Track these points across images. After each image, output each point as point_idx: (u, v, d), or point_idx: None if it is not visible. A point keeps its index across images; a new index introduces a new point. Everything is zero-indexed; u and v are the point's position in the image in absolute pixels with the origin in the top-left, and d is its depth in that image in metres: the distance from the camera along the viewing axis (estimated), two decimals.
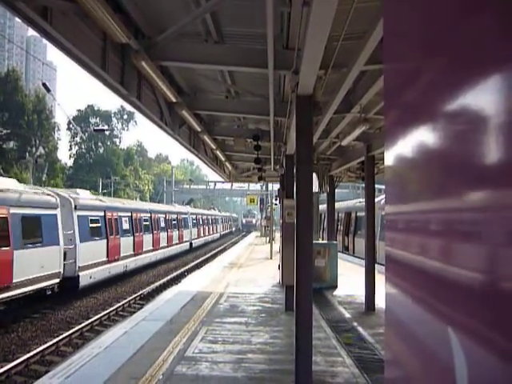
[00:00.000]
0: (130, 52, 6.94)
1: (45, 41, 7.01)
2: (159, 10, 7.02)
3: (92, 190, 50.27)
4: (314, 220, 8.89)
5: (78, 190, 23.44)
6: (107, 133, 73.51)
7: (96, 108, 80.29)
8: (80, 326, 14.70)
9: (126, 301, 19.02)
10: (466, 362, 0.87)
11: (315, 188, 18.40)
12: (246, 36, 7.53)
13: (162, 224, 33.06)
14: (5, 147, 53.55)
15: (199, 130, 12.39)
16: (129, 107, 12.97)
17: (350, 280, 15.50)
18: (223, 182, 58.58)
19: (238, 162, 20.48)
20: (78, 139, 76.00)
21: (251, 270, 20.64)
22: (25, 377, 10.82)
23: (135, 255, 26.20)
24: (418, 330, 1.15)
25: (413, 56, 1.19)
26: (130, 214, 26.22)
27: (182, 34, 7.02)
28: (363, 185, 15.25)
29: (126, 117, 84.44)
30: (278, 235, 27.29)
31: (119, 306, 18.04)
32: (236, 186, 70.20)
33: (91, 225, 20.67)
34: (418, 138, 1.13)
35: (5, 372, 10.58)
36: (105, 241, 22.01)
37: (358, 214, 25.74)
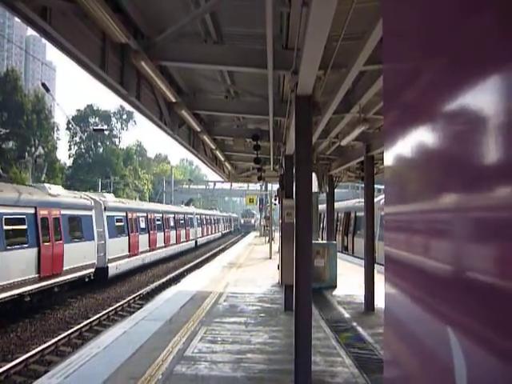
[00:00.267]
0: (129, 52, 6.93)
1: (44, 41, 7.01)
2: (158, 10, 7.02)
3: (91, 189, 50.33)
4: (313, 220, 8.89)
5: (105, 194, 27.71)
6: (106, 133, 73.43)
7: (95, 108, 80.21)
8: (79, 326, 14.70)
9: (125, 301, 19.01)
10: (465, 362, 0.87)
11: (314, 188, 18.40)
12: (245, 36, 7.53)
13: (172, 223, 36.14)
14: (4, 147, 53.50)
15: (199, 129, 12.39)
16: (128, 107, 13.00)
17: (349, 280, 15.51)
18: (223, 182, 58.90)
19: (237, 162, 20.48)
20: (77, 139, 75.93)
21: (250, 270, 20.64)
22: (24, 377, 10.82)
23: (150, 251, 29.45)
24: (417, 329, 1.15)
25: (412, 56, 1.20)
26: (145, 215, 29.46)
27: (181, 34, 7.01)
28: (362, 185, 15.26)
29: (125, 117, 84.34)
30: (277, 235, 27.31)
31: (118, 306, 18.04)
32: (235, 185, 70.29)
33: (116, 224, 24.27)
34: (418, 138, 1.14)
35: (4, 372, 10.58)
36: (127, 237, 25.45)
37: (358, 213, 25.75)
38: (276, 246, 23.81)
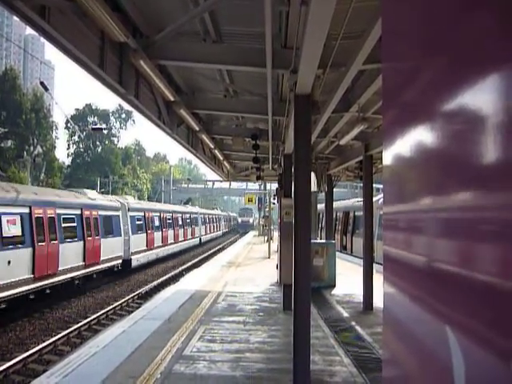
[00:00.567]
0: (128, 51, 6.92)
1: (43, 40, 7.01)
2: (157, 9, 7.01)
3: (90, 189, 50.26)
4: (312, 219, 8.90)
5: (127, 197, 32.92)
6: (105, 132, 73.32)
7: (94, 107, 80.00)
8: (78, 325, 14.70)
9: (124, 300, 19.01)
10: (464, 361, 0.87)
11: (313, 187, 18.40)
12: (244, 35, 7.52)
13: (180, 222, 39.76)
14: (2, 146, 53.40)
15: (197, 129, 12.38)
16: (127, 106, 12.99)
17: (348, 279, 15.51)
18: (221, 181, 59.08)
19: (236, 161, 20.48)
20: (75, 138, 75.75)
21: (249, 269, 20.64)
22: (23, 376, 10.81)
23: (163, 246, 33.22)
24: (416, 329, 1.15)
25: (411, 55, 1.19)
26: (159, 214, 33.08)
27: (180, 33, 7.01)
28: (361, 184, 15.27)
29: (124, 116, 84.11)
30: (276, 234, 27.29)
31: (117, 305, 18.04)
32: (234, 185, 70.31)
33: (137, 222, 28.00)
34: (416, 138, 1.13)
35: (3, 371, 10.57)
36: (145, 234, 29.23)
37: (356, 213, 25.76)
38: (275, 245, 23.81)
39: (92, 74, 7.20)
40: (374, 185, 13.30)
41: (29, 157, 47.16)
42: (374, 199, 14.15)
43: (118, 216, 24.92)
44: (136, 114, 54.17)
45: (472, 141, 0.85)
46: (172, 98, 9.30)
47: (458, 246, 0.94)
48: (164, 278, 25.25)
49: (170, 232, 35.45)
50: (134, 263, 26.63)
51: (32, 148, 55.11)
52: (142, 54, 6.76)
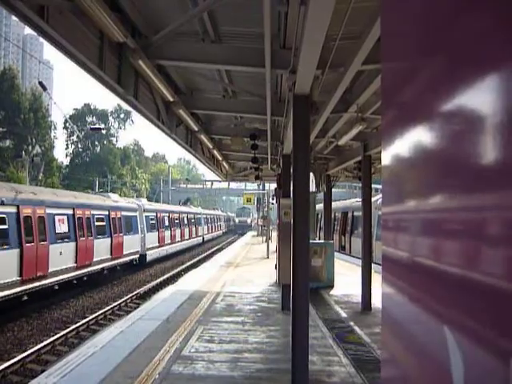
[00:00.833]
0: (126, 51, 6.92)
1: (41, 39, 7.01)
2: (156, 9, 7.01)
3: (88, 189, 50.30)
4: (310, 219, 8.90)
5: (142, 199, 36.80)
6: (104, 132, 73.29)
7: (93, 107, 80.00)
8: (76, 326, 14.69)
9: (122, 300, 19.00)
10: (462, 361, 0.87)
11: (312, 187, 18.41)
12: (243, 35, 7.52)
13: (186, 222, 43.32)
14: (1, 146, 53.39)
15: (196, 129, 12.38)
16: (126, 106, 12.99)
17: (346, 279, 15.53)
18: (220, 182, 59.43)
19: (234, 162, 20.47)
20: (74, 138, 75.73)
21: (248, 270, 20.64)
22: (21, 376, 10.80)
23: (171, 243, 36.69)
24: (415, 329, 1.15)
25: (410, 56, 1.20)
26: (168, 215, 36.57)
27: (179, 33, 7.01)
28: (360, 184, 15.28)
29: (122, 116, 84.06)
30: (274, 234, 27.30)
31: (115, 305, 18.02)
32: (233, 185, 70.37)
33: (151, 222, 31.53)
34: (415, 138, 1.14)
35: (1, 371, 10.56)
36: (157, 232, 32.64)
37: (355, 213, 25.78)
38: (273, 245, 23.81)
39: (91, 74, 7.19)
40: (372, 185, 13.29)
41: (27, 156, 47.18)
42: (373, 199, 14.15)
43: (136, 216, 28.63)
44: (135, 114, 54.22)
45: (471, 141, 0.85)
46: (171, 98, 9.30)
47: (456, 246, 0.94)
48: (162, 278, 25.24)
49: (178, 231, 39.11)
50: (149, 258, 30.18)
51: (30, 148, 55.06)
52: (141, 53, 6.76)
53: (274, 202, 24.35)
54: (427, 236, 1.11)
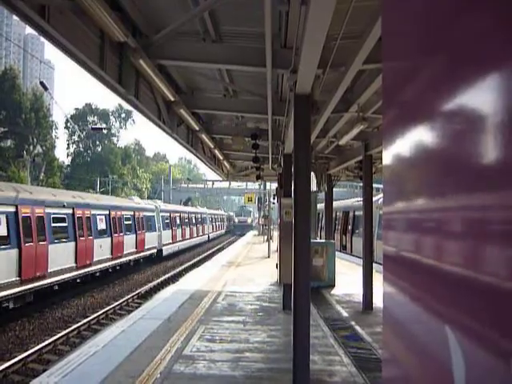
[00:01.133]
0: (127, 50, 6.92)
1: (42, 39, 7.01)
2: (157, 9, 7.01)
3: (90, 188, 50.37)
4: (311, 219, 8.89)
5: (157, 201, 40.94)
6: (105, 131, 73.29)
7: (94, 107, 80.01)
8: (77, 325, 14.70)
9: (123, 299, 19.02)
10: (464, 361, 0.87)
11: (313, 187, 18.40)
12: (244, 35, 7.52)
13: (194, 221, 47.85)
14: (2, 145, 53.43)
15: (197, 128, 12.38)
16: (127, 106, 13.00)
17: (347, 279, 15.52)
18: (221, 181, 59.76)
19: (235, 161, 20.47)
20: (75, 138, 75.78)
21: (249, 269, 20.63)
22: (22, 375, 10.81)
23: (182, 240, 41.29)
24: (416, 328, 1.15)
25: (412, 55, 1.19)
26: (179, 215, 41.13)
27: (179, 33, 7.01)
28: (361, 184, 15.26)
29: (123, 115, 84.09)
30: (275, 234, 27.29)
31: (117, 305, 18.04)
32: (234, 184, 70.35)
33: (165, 221, 35.76)
34: (416, 137, 1.14)
35: (2, 371, 10.57)
36: (170, 230, 36.97)
37: (356, 213, 25.77)
38: (274, 244, 23.81)
39: (92, 74, 7.19)
40: (373, 184, 13.29)
41: (28, 156, 47.22)
42: (374, 199, 14.15)
43: (154, 216, 32.95)
44: (136, 114, 54.25)
45: (472, 140, 0.85)
46: (172, 98, 9.30)
47: (457, 245, 0.94)
48: (163, 277, 25.26)
49: (187, 229, 43.61)
50: (165, 252, 34.43)
51: (32, 147, 55.13)
52: (142, 53, 6.76)
53: (275, 201, 24.33)
54: (428, 235, 1.11)
